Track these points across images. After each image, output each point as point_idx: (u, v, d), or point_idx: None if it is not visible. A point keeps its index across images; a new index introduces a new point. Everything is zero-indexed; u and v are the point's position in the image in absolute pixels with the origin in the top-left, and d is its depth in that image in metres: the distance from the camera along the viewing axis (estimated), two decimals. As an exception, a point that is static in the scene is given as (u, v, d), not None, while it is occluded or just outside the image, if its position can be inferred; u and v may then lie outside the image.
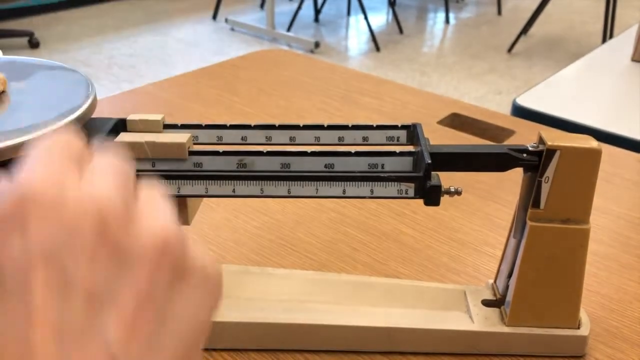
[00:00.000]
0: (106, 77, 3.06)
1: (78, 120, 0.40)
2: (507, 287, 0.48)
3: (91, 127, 0.42)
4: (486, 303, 0.49)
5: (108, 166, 0.23)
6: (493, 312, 0.48)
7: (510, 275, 0.47)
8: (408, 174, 0.40)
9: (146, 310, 0.21)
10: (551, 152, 0.41)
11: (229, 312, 0.47)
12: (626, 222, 0.65)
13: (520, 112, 1.05)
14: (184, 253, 0.23)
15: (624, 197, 0.69)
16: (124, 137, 0.41)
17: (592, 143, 0.42)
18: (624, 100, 1.14)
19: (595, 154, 0.41)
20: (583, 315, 0.48)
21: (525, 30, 3.49)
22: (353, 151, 0.41)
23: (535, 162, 0.42)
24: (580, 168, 0.42)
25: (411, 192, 0.40)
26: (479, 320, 0.47)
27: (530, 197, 0.43)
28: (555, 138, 0.42)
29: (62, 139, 0.23)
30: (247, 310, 0.48)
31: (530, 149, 0.42)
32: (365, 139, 0.45)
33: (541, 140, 0.42)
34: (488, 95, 2.94)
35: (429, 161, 0.39)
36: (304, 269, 0.56)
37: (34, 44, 3.40)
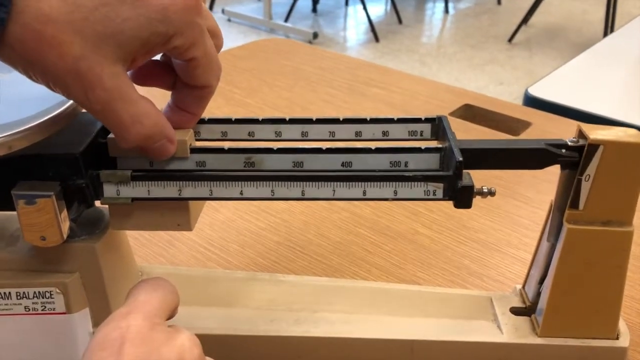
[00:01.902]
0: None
1: (67, 115, 0.36)
2: (538, 294, 0.44)
3: (82, 122, 0.38)
4: (515, 311, 0.45)
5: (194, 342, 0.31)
6: (523, 321, 0.44)
7: (542, 281, 0.43)
8: (436, 172, 0.36)
9: None
10: (593, 147, 0.37)
11: (236, 324, 0.43)
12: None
13: (533, 102, 1.01)
14: None
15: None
16: (118, 133, 0.36)
17: (638, 137, 0.37)
18: (637, 89, 1.10)
19: (642, 149, 0.37)
20: (622, 325, 0.44)
21: (525, 19, 3.44)
22: (373, 147, 0.37)
23: (575, 158, 0.38)
24: (625, 165, 0.38)
25: (439, 194, 0.36)
26: (508, 330, 0.43)
27: (568, 197, 0.39)
28: (596, 131, 0.38)
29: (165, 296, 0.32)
30: (256, 322, 0.44)
31: (569, 144, 0.38)
32: (385, 133, 0.40)
33: (581, 134, 0.38)
34: (489, 85, 2.90)
35: (460, 158, 0.35)
36: (315, 274, 0.52)
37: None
